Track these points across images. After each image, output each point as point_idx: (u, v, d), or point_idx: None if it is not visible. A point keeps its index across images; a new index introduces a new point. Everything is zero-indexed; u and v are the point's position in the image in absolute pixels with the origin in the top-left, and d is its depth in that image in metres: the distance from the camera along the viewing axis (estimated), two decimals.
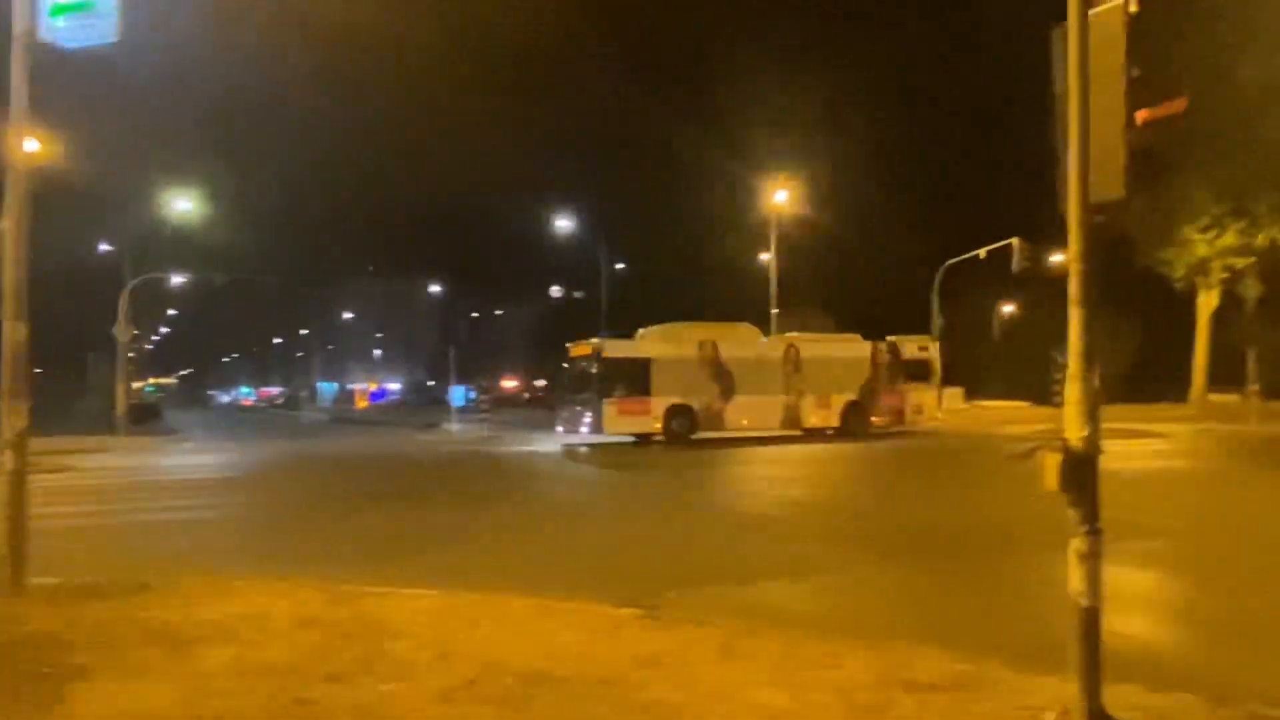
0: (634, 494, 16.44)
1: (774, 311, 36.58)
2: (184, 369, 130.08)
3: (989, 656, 5.27)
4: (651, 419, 26.72)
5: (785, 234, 38.30)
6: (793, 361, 28.27)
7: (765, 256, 39.13)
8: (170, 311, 72.99)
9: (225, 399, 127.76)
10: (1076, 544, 4.15)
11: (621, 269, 57.20)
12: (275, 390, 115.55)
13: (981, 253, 34.56)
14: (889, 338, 30.09)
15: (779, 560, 9.28)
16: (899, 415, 29.44)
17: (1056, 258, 29.01)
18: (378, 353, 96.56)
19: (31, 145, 7.99)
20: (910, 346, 30.18)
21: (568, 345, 28.80)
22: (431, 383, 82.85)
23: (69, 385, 52.63)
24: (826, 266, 46.30)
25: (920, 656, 5.33)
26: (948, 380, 39.21)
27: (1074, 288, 4.23)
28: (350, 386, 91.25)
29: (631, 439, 26.84)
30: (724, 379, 27.48)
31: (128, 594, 6.91)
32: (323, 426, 50.38)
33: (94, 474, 19.71)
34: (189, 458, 25.61)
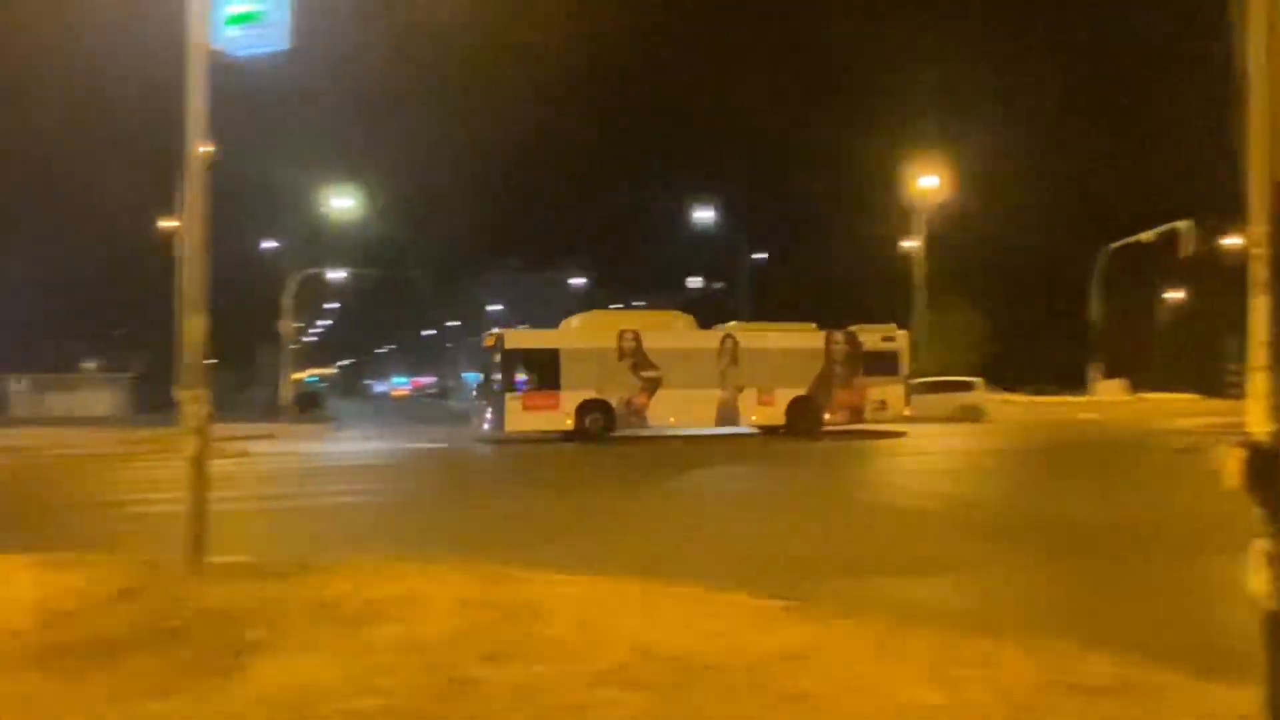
0: (765, 484, 16.32)
1: (918, 300, 35.66)
2: (343, 360, 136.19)
3: (1156, 661, 5.01)
4: (561, 415, 24.79)
5: (932, 220, 37.22)
6: (729, 353, 26.20)
7: (909, 243, 38.15)
8: (331, 305, 76.61)
9: (380, 389, 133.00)
10: (1263, 545, 3.88)
11: (761, 259, 56.80)
12: (428, 380, 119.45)
13: (1147, 235, 32.68)
14: (850, 327, 27.90)
15: (924, 554, 9.08)
16: (857, 412, 27.04)
17: (1234, 240, 27.23)
18: None
19: (206, 149, 8.50)
20: (873, 336, 27.68)
21: (483, 335, 27.42)
22: None
23: (239, 375, 55.93)
24: (976, 254, 44.72)
25: (1082, 658, 5.11)
26: (1111, 371, 37.35)
27: (1259, 273, 3.94)
28: None
29: (560, 436, 25.05)
30: (647, 372, 25.53)
31: (298, 573, 7.30)
32: (467, 415, 51.85)
33: (263, 459, 20.90)
34: (349, 445, 26.83)
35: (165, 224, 32.04)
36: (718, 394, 25.90)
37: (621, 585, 6.96)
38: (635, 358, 25.48)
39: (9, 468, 20.36)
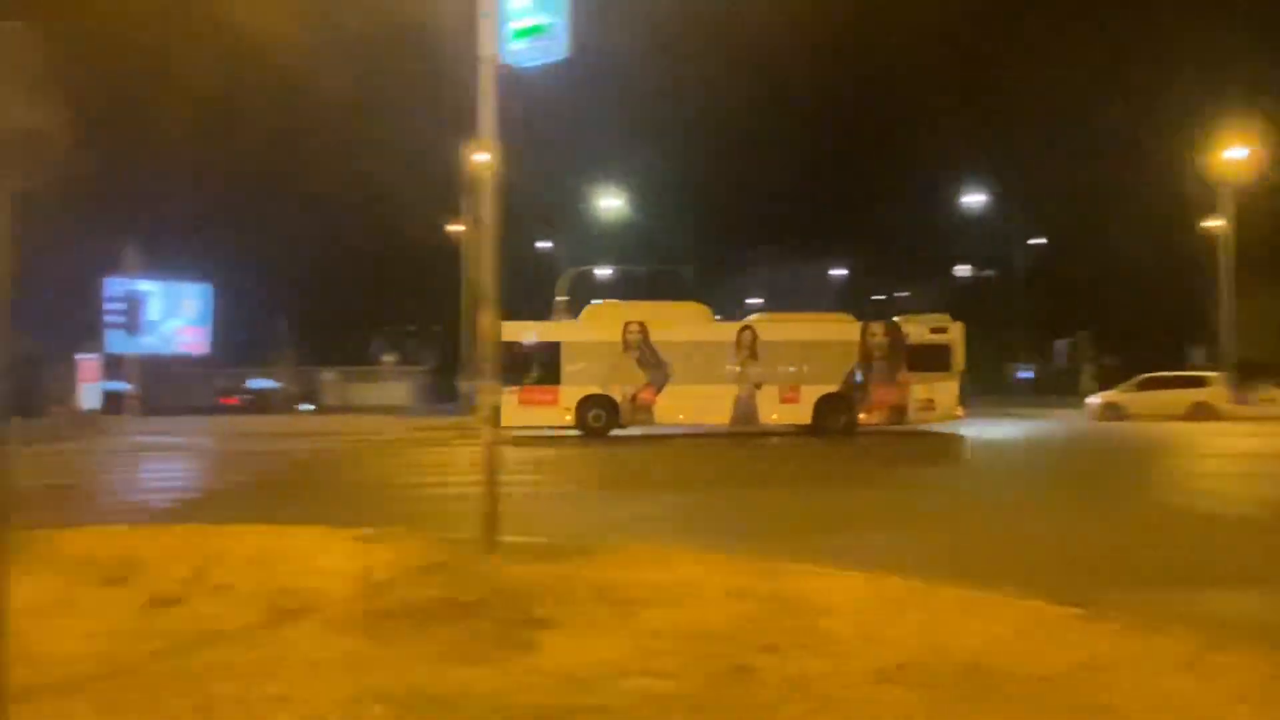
0: (1045, 482, 15.35)
1: (1223, 285, 32.27)
2: None
3: None
4: (561, 410, 23.92)
5: (1240, 196, 33.50)
6: (747, 347, 24.41)
7: (1213, 223, 34.58)
8: (598, 301, 79.62)
9: None
10: None
11: (1039, 243, 53.34)
12: None
13: None
14: (895, 318, 25.36)
15: (1228, 562, 8.23)
16: (899, 411, 24.60)
17: None
18: None
19: (493, 157, 9.06)
20: (918, 328, 25.13)
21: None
22: None
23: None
24: None
25: None
26: None
27: None
28: None
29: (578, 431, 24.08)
30: (654, 366, 24.28)
31: (580, 555, 7.67)
32: None
33: (538, 446, 22.07)
34: (617, 432, 27.76)
35: (452, 228, 34.63)
36: (734, 390, 24.49)
37: (899, 583, 6.78)
38: (641, 351, 24.42)
39: (328, 451, 22.72)
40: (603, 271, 46.79)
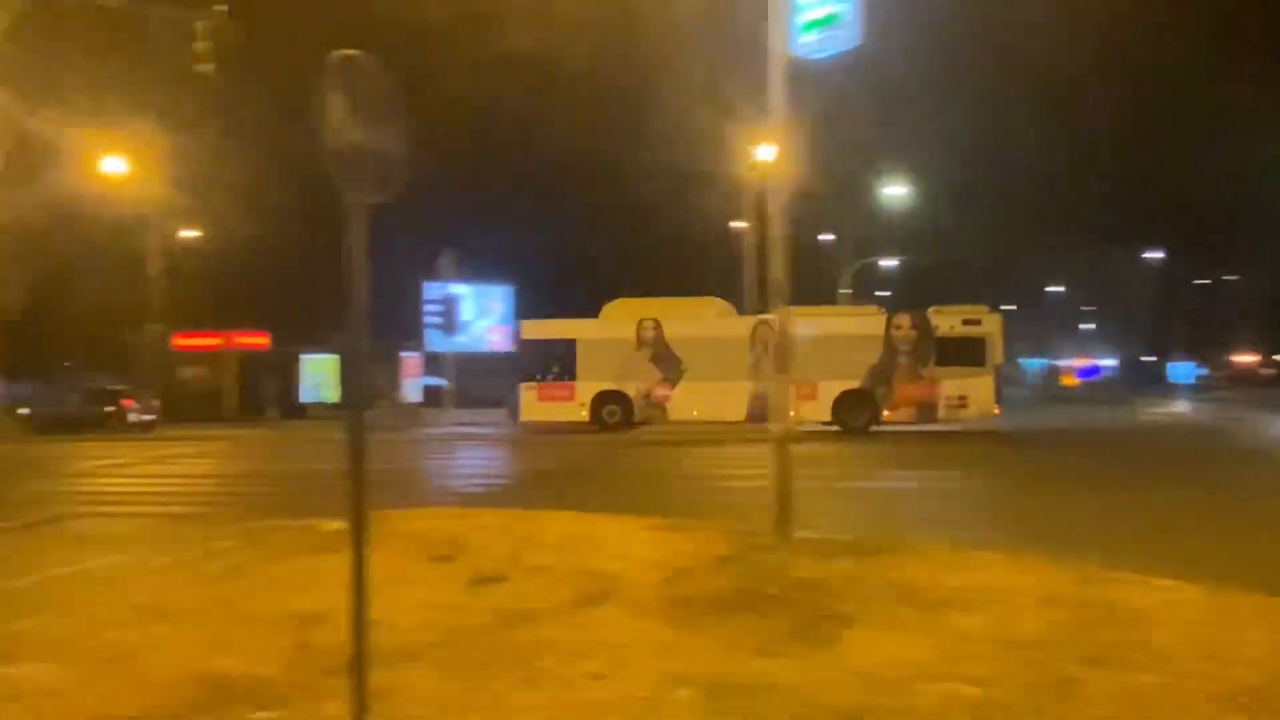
0: None
1: None
2: None
3: None
4: (576, 406, 24.54)
5: None
6: (763, 342, 21.93)
7: None
8: (882, 293, 77.62)
9: None
10: None
11: None
12: None
13: None
14: (931, 309, 22.95)
15: None
16: (927, 409, 23.27)
17: None
18: (1088, 326, 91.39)
19: (782, 150, 9.05)
20: (949, 320, 23.41)
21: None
22: (1152, 358, 76.49)
23: None
24: None
25: None
26: None
27: None
28: (1058, 363, 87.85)
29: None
30: (668, 362, 24.36)
31: (876, 553, 7.51)
32: (1029, 404, 49.32)
33: (820, 442, 21.84)
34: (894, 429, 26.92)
35: (736, 224, 34.95)
36: (749, 386, 23.51)
37: (1239, 595, 6.11)
38: (655, 348, 24.59)
39: (617, 442, 23.68)
40: (888, 262, 45.58)
